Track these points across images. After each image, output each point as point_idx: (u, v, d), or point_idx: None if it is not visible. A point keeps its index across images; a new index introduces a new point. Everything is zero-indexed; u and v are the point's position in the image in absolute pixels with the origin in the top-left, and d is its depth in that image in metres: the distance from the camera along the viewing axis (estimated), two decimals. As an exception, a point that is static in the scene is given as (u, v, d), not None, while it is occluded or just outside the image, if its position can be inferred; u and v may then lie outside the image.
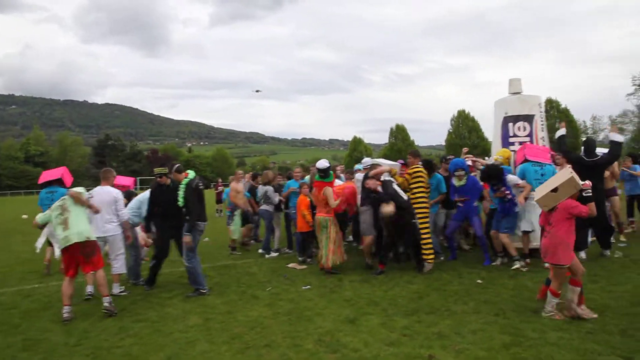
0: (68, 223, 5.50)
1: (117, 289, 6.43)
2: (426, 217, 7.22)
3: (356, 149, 71.05)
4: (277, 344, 4.32)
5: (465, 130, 62.94)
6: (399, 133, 69.79)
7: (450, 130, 64.39)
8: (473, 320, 4.64)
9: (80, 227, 5.51)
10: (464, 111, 64.12)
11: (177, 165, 6.70)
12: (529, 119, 7.93)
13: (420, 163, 7.48)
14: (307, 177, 10.11)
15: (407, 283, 6.35)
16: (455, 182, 7.48)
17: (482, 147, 54.43)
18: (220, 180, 22.46)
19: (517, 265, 6.79)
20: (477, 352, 3.85)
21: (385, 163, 8.24)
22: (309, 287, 6.43)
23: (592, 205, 4.57)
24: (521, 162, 7.42)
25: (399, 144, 66.31)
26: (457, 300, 5.41)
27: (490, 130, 9.17)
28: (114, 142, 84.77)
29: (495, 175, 7.05)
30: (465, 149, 9.62)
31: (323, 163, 7.55)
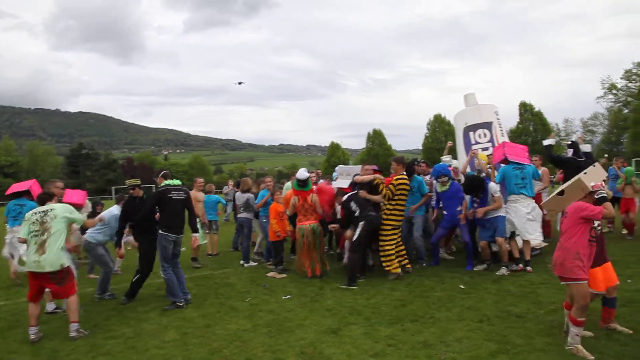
0: (45, 247, 5.07)
1: (50, 306, 6.05)
2: (398, 227, 7.18)
3: (334, 155, 71.20)
4: (258, 358, 4.16)
5: (441, 134, 63.60)
6: (376, 138, 70.19)
7: (427, 135, 65.04)
8: (457, 328, 4.56)
9: (56, 254, 5.09)
10: (440, 115, 64.88)
11: (166, 171, 6.53)
12: (487, 126, 8.39)
13: (404, 172, 7.30)
14: (288, 184, 9.97)
15: (390, 290, 6.25)
16: (438, 188, 7.44)
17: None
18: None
19: (503, 271, 6.76)
20: (463, 361, 3.76)
21: (354, 170, 8.18)
22: (289, 296, 6.27)
23: (608, 205, 3.88)
24: (500, 160, 7.41)
25: (377, 148, 66.70)
26: (441, 307, 5.33)
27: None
28: (87, 151, 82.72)
29: (477, 186, 7.06)
30: (449, 143, 9.68)
31: (303, 173, 7.50)
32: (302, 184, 7.46)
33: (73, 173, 71.84)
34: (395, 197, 7.03)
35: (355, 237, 6.87)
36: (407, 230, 8.02)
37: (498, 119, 8.49)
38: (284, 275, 7.67)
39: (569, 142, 8.48)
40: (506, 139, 8.35)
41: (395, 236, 7.12)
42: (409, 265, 6.98)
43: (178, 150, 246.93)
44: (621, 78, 55.80)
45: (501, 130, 8.37)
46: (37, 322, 5.13)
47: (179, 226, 6.23)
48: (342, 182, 7.83)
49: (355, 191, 7.17)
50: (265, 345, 4.44)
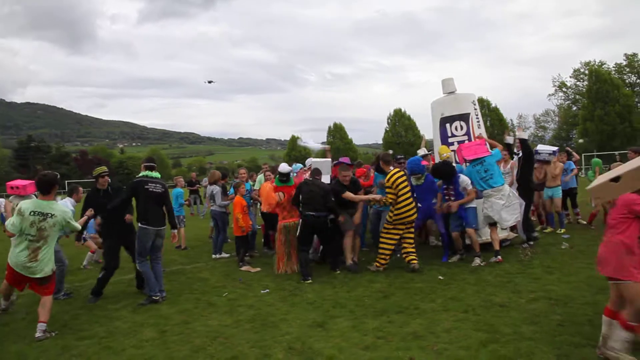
0: (38, 254, 4.77)
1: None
2: (406, 224, 6.93)
3: (294, 149, 70.95)
4: (245, 355, 4.00)
5: (401, 128, 64.59)
6: (337, 132, 70.51)
7: (387, 129, 65.85)
8: (444, 319, 4.56)
9: (48, 261, 4.84)
10: (400, 110, 65.82)
11: (151, 163, 6.20)
12: (464, 117, 8.09)
13: (392, 168, 7.06)
14: (260, 177, 9.78)
15: (369, 282, 6.22)
16: (413, 181, 7.45)
17: (418, 145, 56.06)
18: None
19: (477, 262, 6.83)
20: (456, 351, 3.75)
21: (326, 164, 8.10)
22: (267, 290, 6.13)
23: None
24: (462, 163, 7.55)
25: (337, 142, 66.93)
26: (424, 298, 5.33)
27: (426, 128, 9.36)
28: (37, 144, 78.89)
29: (446, 172, 7.11)
30: (424, 136, 9.86)
31: (285, 167, 7.43)
32: (285, 178, 7.33)
33: (22, 167, 68.22)
34: (400, 193, 6.71)
35: (297, 234, 7.00)
36: (376, 222, 8.07)
37: (475, 109, 8.20)
38: (259, 269, 7.51)
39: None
40: (483, 132, 8.18)
41: (397, 234, 6.87)
42: (414, 261, 6.73)
43: (134, 144, 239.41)
44: (570, 77, 58.53)
45: (478, 122, 8.13)
46: (8, 299, 4.89)
47: (157, 219, 5.97)
48: (325, 178, 7.61)
49: (308, 181, 6.99)
50: (250, 341, 4.29)
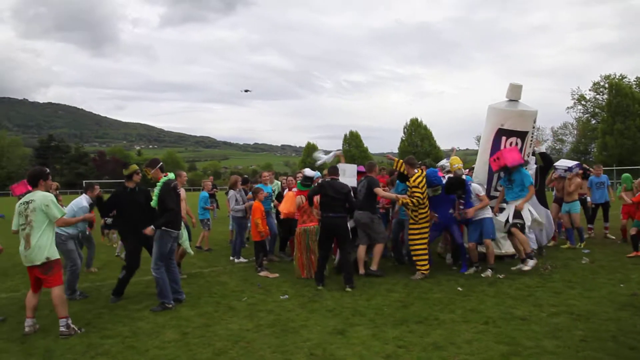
0: (30, 241, 4.87)
1: None
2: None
3: (310, 155, 71.16)
4: (266, 359, 4.05)
5: (417, 138, 64.45)
6: (352, 140, 70.60)
7: (403, 138, 65.76)
8: (464, 330, 4.57)
9: (40, 247, 4.88)
10: (416, 119, 65.75)
11: (161, 163, 6.22)
12: (522, 135, 7.66)
13: (416, 170, 7.19)
14: (276, 182, 9.89)
15: (388, 292, 6.23)
16: (430, 193, 7.47)
17: (434, 155, 55.90)
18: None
19: (487, 273, 6.87)
20: (478, 363, 3.76)
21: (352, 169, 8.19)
22: (286, 296, 6.18)
23: None
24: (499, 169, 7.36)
25: (353, 150, 66.98)
26: (443, 309, 5.33)
27: (441, 138, 9.24)
28: (57, 143, 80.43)
29: (457, 185, 7.14)
30: (454, 148, 10.02)
31: (310, 171, 7.61)
32: (308, 182, 7.46)
33: (42, 166, 69.60)
34: (424, 196, 6.98)
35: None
36: (398, 231, 8.11)
37: (534, 128, 7.81)
38: (277, 274, 7.56)
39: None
40: (530, 151, 7.99)
41: (425, 236, 7.07)
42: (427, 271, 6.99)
43: (151, 146, 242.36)
44: (590, 90, 57.82)
45: (531, 143, 7.79)
46: (33, 313, 4.97)
47: (179, 221, 6.08)
48: (350, 181, 7.70)
49: (327, 182, 6.97)
50: (272, 346, 4.34)
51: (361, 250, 7.37)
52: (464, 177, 7.45)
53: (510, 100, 7.86)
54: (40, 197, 4.97)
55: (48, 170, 5.36)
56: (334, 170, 7.19)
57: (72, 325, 4.94)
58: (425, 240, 7.03)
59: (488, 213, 7.19)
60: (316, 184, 7.31)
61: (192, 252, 7.52)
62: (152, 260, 5.96)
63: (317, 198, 7.03)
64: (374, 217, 7.30)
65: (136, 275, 6.98)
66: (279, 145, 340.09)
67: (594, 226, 10.23)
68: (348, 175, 7.74)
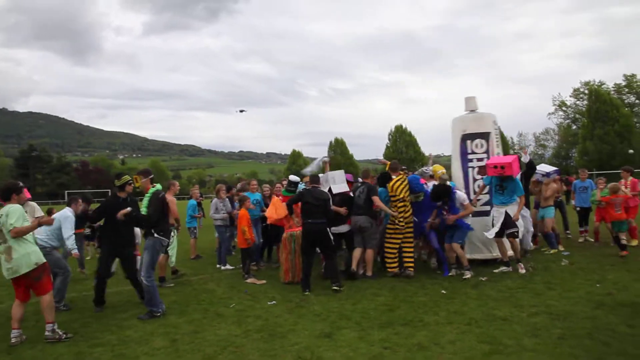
0: (11, 254, 4.86)
1: None
2: (401, 228, 7.50)
3: (295, 163, 71.23)
4: (255, 363, 4.13)
5: (402, 145, 64.89)
6: (338, 147, 70.77)
7: (388, 145, 66.14)
8: (448, 331, 4.70)
9: (26, 254, 4.90)
10: (401, 126, 66.19)
11: (152, 175, 6.33)
12: (485, 136, 8.20)
13: (394, 176, 7.63)
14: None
15: (373, 296, 6.35)
16: (412, 198, 7.64)
17: (419, 161, 56.43)
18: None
19: (467, 275, 7.08)
20: (461, 362, 3.89)
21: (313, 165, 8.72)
22: (274, 302, 6.26)
23: None
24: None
25: (339, 157, 67.11)
26: (427, 311, 5.46)
27: (426, 145, 9.64)
28: (38, 153, 79.18)
29: (444, 192, 7.32)
30: (431, 155, 10.26)
31: (295, 177, 7.90)
32: (293, 188, 7.68)
33: (22, 176, 68.39)
34: (405, 197, 7.47)
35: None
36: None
37: (496, 128, 8.34)
38: (264, 281, 7.63)
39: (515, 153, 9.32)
40: (500, 151, 8.35)
41: (398, 238, 7.48)
42: (411, 269, 7.41)
43: (135, 155, 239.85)
44: (570, 96, 59.08)
45: (497, 141, 8.25)
46: (19, 324, 4.97)
47: (169, 231, 6.18)
48: (340, 187, 7.88)
49: (308, 190, 7.22)
50: (260, 350, 4.42)
51: (357, 252, 7.54)
52: (448, 183, 7.62)
53: (470, 111, 8.57)
54: (6, 210, 4.99)
55: (21, 184, 5.38)
56: (314, 179, 7.38)
57: (57, 330, 4.98)
58: (397, 243, 7.46)
59: (466, 220, 7.41)
60: (297, 192, 7.50)
61: (173, 262, 7.62)
62: (143, 269, 5.97)
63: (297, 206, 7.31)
64: (373, 222, 7.52)
65: (120, 284, 7.03)
66: (264, 152, 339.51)
67: (585, 229, 10.43)
68: (338, 181, 7.93)
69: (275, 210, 7.78)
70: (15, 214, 4.95)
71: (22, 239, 4.96)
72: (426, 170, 8.82)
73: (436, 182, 7.90)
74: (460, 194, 7.46)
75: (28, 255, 4.93)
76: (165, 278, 7.87)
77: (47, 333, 4.91)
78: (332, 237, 7.10)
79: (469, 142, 8.23)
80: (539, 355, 3.93)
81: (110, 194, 6.74)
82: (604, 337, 4.26)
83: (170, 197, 9.09)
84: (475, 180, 8.12)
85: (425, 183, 8.09)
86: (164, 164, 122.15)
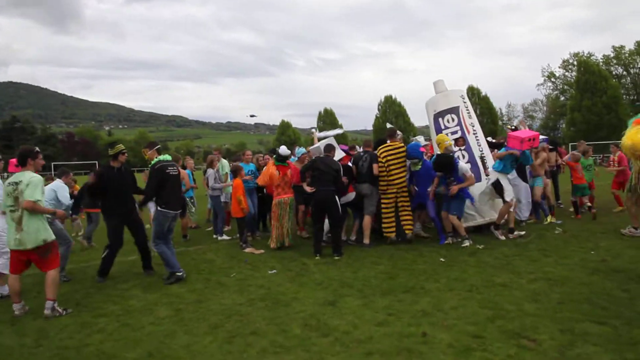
0: (22, 223, 4.77)
1: (3, 290, 5.64)
2: (394, 194, 7.74)
3: (284, 133, 70.84)
4: (262, 331, 4.18)
5: (392, 115, 64.72)
6: (327, 117, 70.33)
7: (378, 115, 65.93)
8: (450, 297, 4.79)
9: (35, 230, 4.81)
10: (390, 97, 65.84)
11: (159, 146, 6.33)
12: (454, 110, 8.61)
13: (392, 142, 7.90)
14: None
15: (373, 264, 6.43)
16: (411, 167, 7.71)
17: (409, 132, 56.48)
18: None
19: (466, 243, 7.19)
20: (465, 327, 3.98)
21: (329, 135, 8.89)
22: (274, 271, 6.31)
23: None
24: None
25: (328, 127, 66.81)
26: (428, 278, 5.56)
27: (415, 114, 9.88)
28: (22, 125, 77.58)
29: (447, 164, 7.34)
30: (388, 125, 10.43)
31: (285, 150, 7.94)
32: (282, 159, 7.85)
33: (6, 148, 67.07)
34: (387, 166, 7.66)
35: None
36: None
37: (464, 102, 8.75)
38: (262, 250, 7.68)
39: (513, 127, 9.80)
40: (475, 121, 8.56)
41: (392, 202, 7.68)
42: (409, 231, 7.66)
43: (121, 126, 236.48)
44: (559, 67, 59.09)
45: (468, 113, 8.61)
46: (19, 297, 4.94)
47: (176, 202, 6.18)
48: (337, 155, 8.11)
49: (321, 158, 7.50)
50: (267, 319, 4.47)
51: (367, 220, 7.75)
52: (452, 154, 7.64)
53: (437, 93, 9.03)
54: (27, 177, 4.86)
55: (37, 149, 5.22)
56: (328, 148, 7.67)
57: (57, 308, 4.92)
58: (391, 208, 7.73)
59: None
60: (308, 160, 7.68)
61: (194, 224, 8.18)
62: (151, 238, 6.11)
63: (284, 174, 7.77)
64: (374, 190, 7.73)
65: (120, 255, 6.98)
66: (253, 123, 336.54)
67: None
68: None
69: (263, 177, 8.00)
70: (38, 186, 4.85)
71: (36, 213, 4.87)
72: (421, 140, 8.87)
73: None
74: (462, 164, 7.47)
75: (38, 231, 4.84)
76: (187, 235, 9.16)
77: (46, 311, 4.83)
78: (339, 206, 7.29)
79: (440, 119, 8.69)
80: (541, 319, 4.03)
81: (104, 164, 6.66)
82: (601, 302, 4.37)
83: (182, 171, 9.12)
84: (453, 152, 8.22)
85: (424, 151, 8.16)
86: (151, 135, 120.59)
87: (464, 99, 8.82)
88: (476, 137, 8.36)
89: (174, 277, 5.96)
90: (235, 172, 8.24)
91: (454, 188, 7.29)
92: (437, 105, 8.81)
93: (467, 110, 8.67)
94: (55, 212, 5.42)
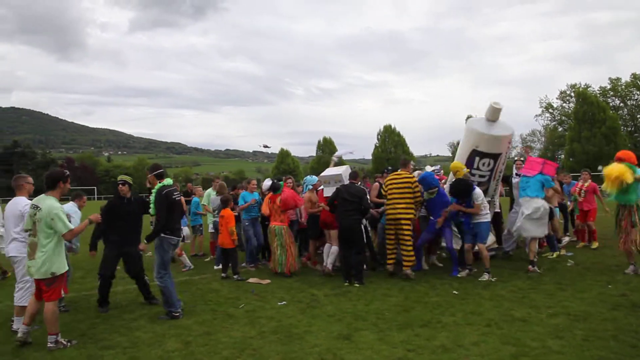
0: (35, 251, 4.63)
1: (16, 323, 5.15)
2: (394, 224, 7.51)
3: (283, 162, 71.02)
4: (278, 366, 4.02)
5: (391, 144, 65.04)
6: (326, 146, 70.66)
7: (377, 145, 66.26)
8: (469, 332, 4.63)
9: (43, 260, 4.61)
10: (390, 126, 66.34)
11: (161, 170, 6.02)
12: (495, 157, 7.99)
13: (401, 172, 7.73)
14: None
15: (384, 296, 6.27)
16: (425, 195, 7.60)
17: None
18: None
19: (485, 277, 6.99)
20: (489, 364, 3.83)
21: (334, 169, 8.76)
22: (284, 302, 6.14)
23: None
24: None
25: (327, 157, 67.05)
26: (443, 312, 5.40)
27: (414, 145, 9.54)
28: (22, 149, 77.60)
29: (464, 190, 7.26)
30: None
31: (266, 184, 8.65)
32: (273, 189, 8.18)
33: (6, 172, 66.90)
34: (388, 195, 7.56)
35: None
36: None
37: (508, 147, 8.15)
38: (269, 281, 7.52)
39: (522, 159, 9.19)
40: (503, 167, 8.26)
41: (391, 233, 7.53)
42: (407, 269, 7.27)
43: (120, 152, 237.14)
44: (557, 98, 59.80)
45: (505, 159, 8.07)
46: (30, 320, 4.76)
47: (179, 229, 5.99)
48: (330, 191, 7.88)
49: (345, 186, 7.47)
50: (280, 353, 4.30)
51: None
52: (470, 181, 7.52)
53: (488, 120, 8.14)
54: (47, 208, 4.66)
55: (67, 172, 5.09)
56: (354, 175, 7.68)
57: (61, 340, 4.72)
58: (392, 240, 7.54)
59: (485, 217, 7.33)
60: (335, 190, 7.58)
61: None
62: (155, 270, 5.78)
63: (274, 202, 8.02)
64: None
65: (124, 284, 6.85)
66: (251, 151, 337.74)
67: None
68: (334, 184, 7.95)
69: (266, 206, 8.27)
70: (62, 216, 4.69)
71: (54, 240, 4.69)
72: (434, 168, 8.78)
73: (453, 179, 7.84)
74: (477, 191, 7.30)
75: (46, 264, 4.63)
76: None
77: (49, 345, 4.62)
78: (364, 235, 7.35)
79: (477, 158, 7.98)
80: (567, 357, 3.88)
81: (114, 194, 6.53)
82: (629, 339, 4.23)
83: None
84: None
85: (439, 179, 8.09)
86: (150, 162, 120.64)
87: (510, 144, 8.21)
88: (496, 183, 8.25)
89: (170, 317, 5.62)
90: (225, 202, 8.12)
91: (454, 206, 7.31)
92: (481, 143, 7.85)
93: (506, 156, 8.22)
94: (90, 221, 5.24)
